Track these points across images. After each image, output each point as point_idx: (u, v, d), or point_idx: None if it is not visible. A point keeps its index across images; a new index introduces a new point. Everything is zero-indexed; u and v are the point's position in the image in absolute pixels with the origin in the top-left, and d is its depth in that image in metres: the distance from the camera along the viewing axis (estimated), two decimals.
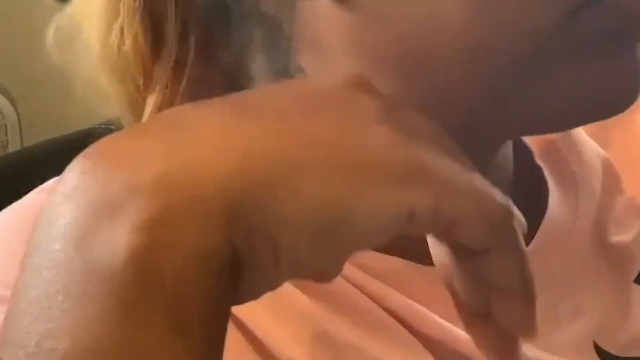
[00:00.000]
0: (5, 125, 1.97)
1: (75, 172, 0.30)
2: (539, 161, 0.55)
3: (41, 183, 0.52)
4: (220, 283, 0.29)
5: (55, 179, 0.51)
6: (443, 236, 0.35)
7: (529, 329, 0.36)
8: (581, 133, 0.56)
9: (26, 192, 0.51)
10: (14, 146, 1.94)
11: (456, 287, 0.36)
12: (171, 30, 0.50)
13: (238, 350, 0.44)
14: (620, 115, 0.55)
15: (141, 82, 0.51)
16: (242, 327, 0.44)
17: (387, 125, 0.32)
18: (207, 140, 0.30)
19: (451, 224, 0.33)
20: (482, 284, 0.35)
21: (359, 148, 0.31)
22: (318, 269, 0.32)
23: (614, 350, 0.51)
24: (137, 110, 0.53)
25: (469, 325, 0.37)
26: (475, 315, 0.36)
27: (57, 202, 0.30)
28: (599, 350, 0.51)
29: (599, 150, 0.57)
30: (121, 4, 0.51)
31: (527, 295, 0.35)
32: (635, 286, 0.54)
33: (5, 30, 2.07)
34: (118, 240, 0.28)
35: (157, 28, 0.51)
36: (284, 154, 0.30)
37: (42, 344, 0.27)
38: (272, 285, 0.31)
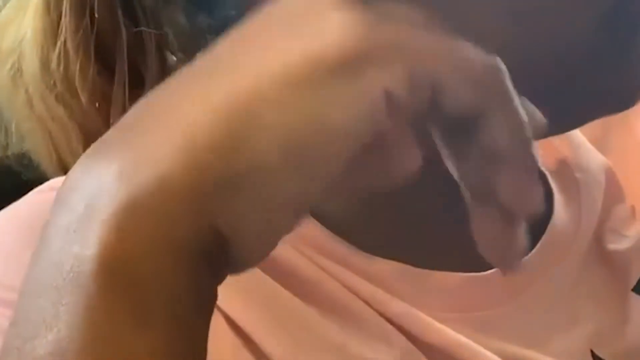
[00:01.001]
0: (6, 126, 1.97)
1: (68, 176, 0.31)
2: (541, 166, 0.55)
3: (41, 183, 0.52)
4: (193, 275, 0.29)
5: (53, 179, 0.52)
6: (431, 113, 0.32)
7: (530, 203, 0.33)
8: (584, 140, 0.56)
9: (26, 192, 0.51)
10: (14, 146, 1.94)
11: (454, 169, 0.35)
12: (122, 53, 0.49)
13: (234, 352, 0.44)
14: (622, 120, 0.55)
15: (93, 104, 0.50)
16: (239, 331, 0.44)
17: (348, 11, 0.31)
18: (169, 131, 0.31)
19: (434, 93, 0.31)
20: (480, 159, 0.33)
21: (315, 41, 0.30)
22: (299, 195, 0.31)
23: (611, 359, 0.51)
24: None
25: (470, 206, 0.35)
26: (476, 194, 0.34)
27: (55, 200, 0.31)
28: (596, 358, 0.51)
29: (602, 158, 0.56)
30: (62, 25, 0.50)
31: (527, 163, 0.33)
32: (633, 295, 0.54)
33: None
34: (89, 235, 0.29)
35: (105, 49, 0.50)
36: (240, 105, 0.30)
37: (24, 345, 0.29)
38: (265, 238, 0.31)
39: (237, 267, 0.32)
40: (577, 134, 0.55)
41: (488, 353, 0.46)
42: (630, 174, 0.56)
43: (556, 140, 0.55)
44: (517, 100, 0.33)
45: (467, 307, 0.48)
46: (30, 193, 0.51)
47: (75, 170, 0.31)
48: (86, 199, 0.30)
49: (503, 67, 0.32)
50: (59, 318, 0.28)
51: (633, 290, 0.54)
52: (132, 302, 0.28)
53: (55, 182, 0.51)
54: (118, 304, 0.28)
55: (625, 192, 0.56)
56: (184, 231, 0.29)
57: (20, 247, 0.46)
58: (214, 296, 0.31)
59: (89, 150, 0.32)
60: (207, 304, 0.30)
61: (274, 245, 0.32)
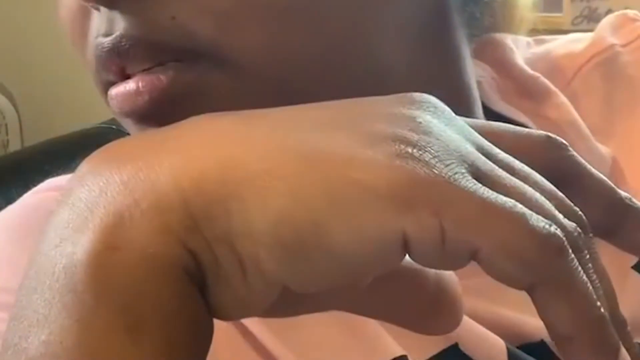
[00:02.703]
0: (6, 125, 1.98)
1: (75, 175, 0.31)
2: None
3: (42, 182, 0.52)
4: (182, 291, 0.29)
5: (49, 180, 0.52)
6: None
7: None
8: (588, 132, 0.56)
9: (27, 192, 0.52)
10: (14, 146, 1.95)
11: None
12: None
13: (235, 348, 0.44)
14: (624, 103, 0.55)
15: None
16: (240, 327, 0.44)
17: (402, 143, 0.29)
18: (189, 149, 0.30)
19: (470, 257, 0.28)
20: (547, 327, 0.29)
21: (353, 165, 0.28)
22: (301, 290, 0.29)
23: None
24: None
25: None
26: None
27: (56, 203, 0.31)
28: None
29: (606, 148, 0.56)
30: None
31: (599, 345, 0.28)
32: (632, 272, 0.54)
33: (5, 30, 2.07)
34: (81, 242, 0.29)
35: None
36: (253, 164, 0.29)
37: (19, 343, 0.29)
38: (246, 299, 0.29)
39: (218, 305, 0.30)
40: (584, 127, 0.55)
41: (480, 327, 0.46)
42: (633, 157, 0.56)
43: (567, 127, 0.54)
44: (581, 276, 0.28)
45: (463, 274, 0.48)
46: (27, 194, 0.51)
47: (84, 168, 0.31)
48: (88, 198, 0.30)
49: (565, 239, 0.28)
50: (51, 319, 0.28)
51: (633, 267, 0.54)
52: (125, 311, 0.28)
53: (52, 181, 0.51)
54: (110, 312, 0.28)
55: (628, 173, 0.55)
56: (173, 247, 0.29)
57: (14, 249, 0.46)
58: (207, 318, 0.30)
59: (101, 151, 0.32)
60: (200, 324, 0.29)
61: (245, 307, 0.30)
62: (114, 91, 0.41)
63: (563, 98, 0.53)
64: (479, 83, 0.52)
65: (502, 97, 0.54)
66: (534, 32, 0.60)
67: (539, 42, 0.59)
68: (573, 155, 0.32)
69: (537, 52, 0.57)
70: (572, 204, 0.30)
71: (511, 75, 0.55)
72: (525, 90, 0.54)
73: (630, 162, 0.55)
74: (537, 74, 0.54)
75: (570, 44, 0.58)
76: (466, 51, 0.49)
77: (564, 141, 0.32)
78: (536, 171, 0.31)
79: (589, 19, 1.79)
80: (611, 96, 0.55)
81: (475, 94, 0.50)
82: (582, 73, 0.55)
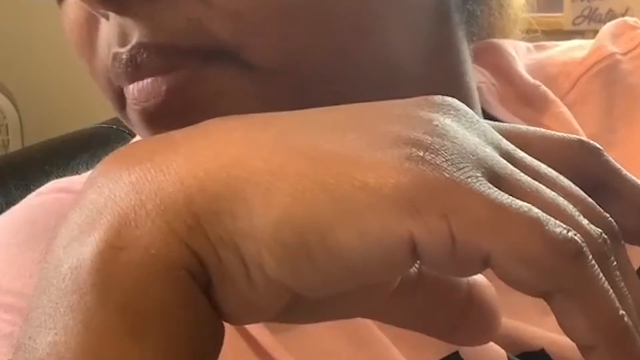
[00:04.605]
0: (7, 125, 1.98)
1: (88, 178, 0.31)
2: None
3: (42, 182, 0.52)
4: (185, 292, 0.29)
5: (52, 181, 0.52)
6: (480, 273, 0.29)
7: None
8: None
9: (27, 192, 0.52)
10: (15, 146, 1.95)
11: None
12: None
13: (236, 351, 0.44)
14: (625, 112, 0.55)
15: None
16: (243, 332, 0.44)
17: (415, 146, 0.28)
18: (196, 151, 0.30)
19: (483, 262, 0.27)
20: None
21: (360, 166, 0.28)
22: (305, 293, 0.29)
23: None
24: None
25: None
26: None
27: (70, 206, 0.31)
28: None
29: None
30: None
31: (616, 355, 0.27)
32: None
33: (6, 30, 2.08)
34: (87, 243, 0.29)
35: None
36: (258, 164, 0.28)
37: (29, 343, 0.29)
38: (253, 302, 0.29)
39: (224, 307, 0.29)
40: (580, 132, 0.55)
41: None
42: (635, 166, 0.56)
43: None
44: (602, 283, 0.27)
45: None
46: (30, 195, 0.51)
47: (97, 171, 0.31)
48: (98, 200, 0.30)
49: (585, 245, 0.27)
50: (57, 320, 0.28)
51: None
52: (127, 312, 0.28)
53: (56, 183, 0.51)
54: (112, 313, 0.28)
55: None
56: (175, 248, 0.29)
57: (19, 250, 0.46)
58: (213, 320, 0.29)
59: (113, 154, 0.32)
60: (205, 326, 0.29)
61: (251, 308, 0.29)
62: (134, 108, 0.40)
63: (562, 107, 0.54)
64: (478, 88, 0.52)
65: (502, 103, 0.54)
66: (534, 32, 0.60)
67: (539, 48, 0.59)
68: (608, 160, 0.32)
69: (537, 59, 0.57)
70: (601, 210, 0.29)
71: (511, 82, 0.55)
72: (524, 98, 0.54)
73: (632, 171, 0.55)
74: (538, 83, 0.54)
75: (570, 51, 0.58)
76: (466, 52, 0.49)
77: (598, 145, 0.32)
78: (568, 176, 0.30)
79: (589, 19, 1.79)
80: (612, 105, 0.55)
81: (476, 96, 0.50)
82: (582, 82, 0.55)
